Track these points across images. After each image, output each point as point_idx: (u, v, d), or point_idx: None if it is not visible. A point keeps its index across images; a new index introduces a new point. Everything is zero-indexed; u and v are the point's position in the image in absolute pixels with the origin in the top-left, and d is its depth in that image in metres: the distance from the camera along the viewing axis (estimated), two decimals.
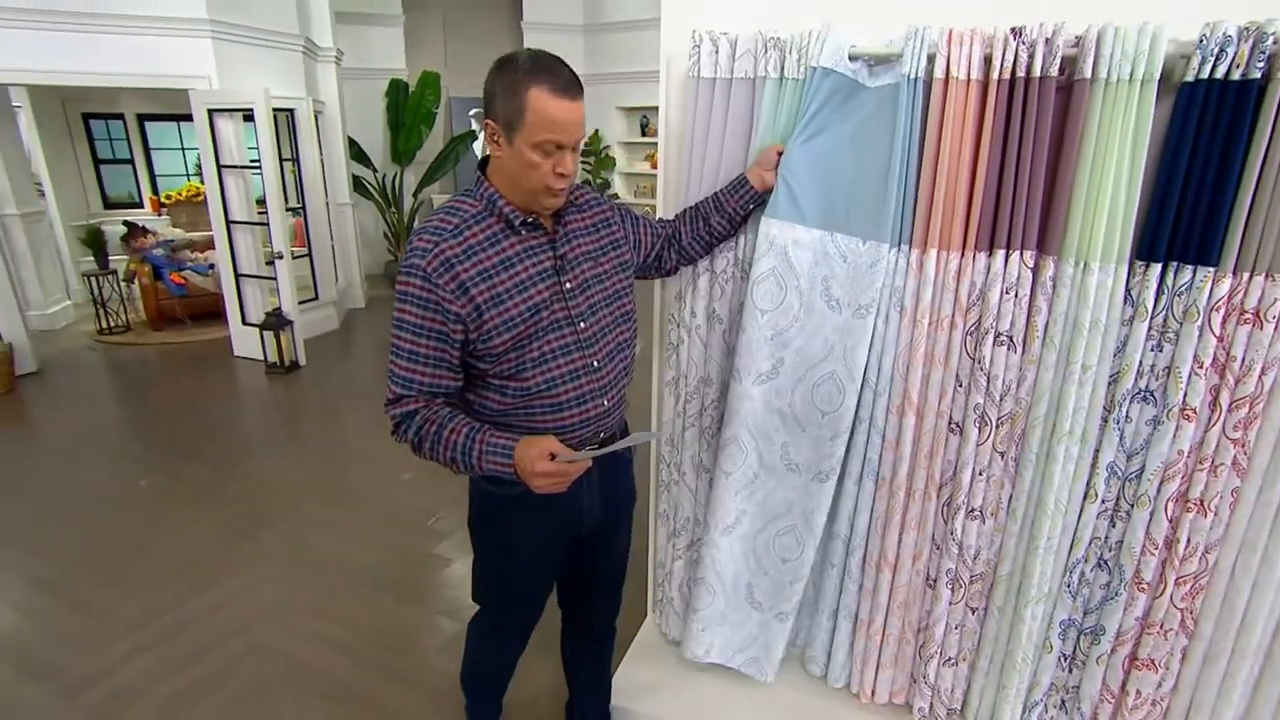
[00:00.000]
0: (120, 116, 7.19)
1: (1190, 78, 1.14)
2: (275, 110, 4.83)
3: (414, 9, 7.41)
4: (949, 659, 1.56)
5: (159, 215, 7.30)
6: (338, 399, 4.47)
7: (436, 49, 8.06)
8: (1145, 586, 1.36)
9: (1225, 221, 1.16)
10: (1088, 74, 1.19)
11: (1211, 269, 1.18)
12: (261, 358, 4.86)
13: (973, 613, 1.52)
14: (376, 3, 6.98)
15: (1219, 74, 1.12)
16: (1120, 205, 1.21)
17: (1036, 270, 1.30)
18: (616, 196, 8.29)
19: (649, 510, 1.90)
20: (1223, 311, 1.20)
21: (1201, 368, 1.22)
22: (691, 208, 1.48)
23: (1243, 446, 1.26)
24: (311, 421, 4.23)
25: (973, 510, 1.43)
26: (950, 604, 1.51)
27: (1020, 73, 1.22)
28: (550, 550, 1.38)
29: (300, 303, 5.04)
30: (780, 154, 1.38)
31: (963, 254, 1.33)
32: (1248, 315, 1.19)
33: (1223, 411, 1.24)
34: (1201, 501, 1.30)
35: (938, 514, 1.48)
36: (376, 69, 7.13)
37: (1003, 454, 1.40)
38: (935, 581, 1.52)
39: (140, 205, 7.48)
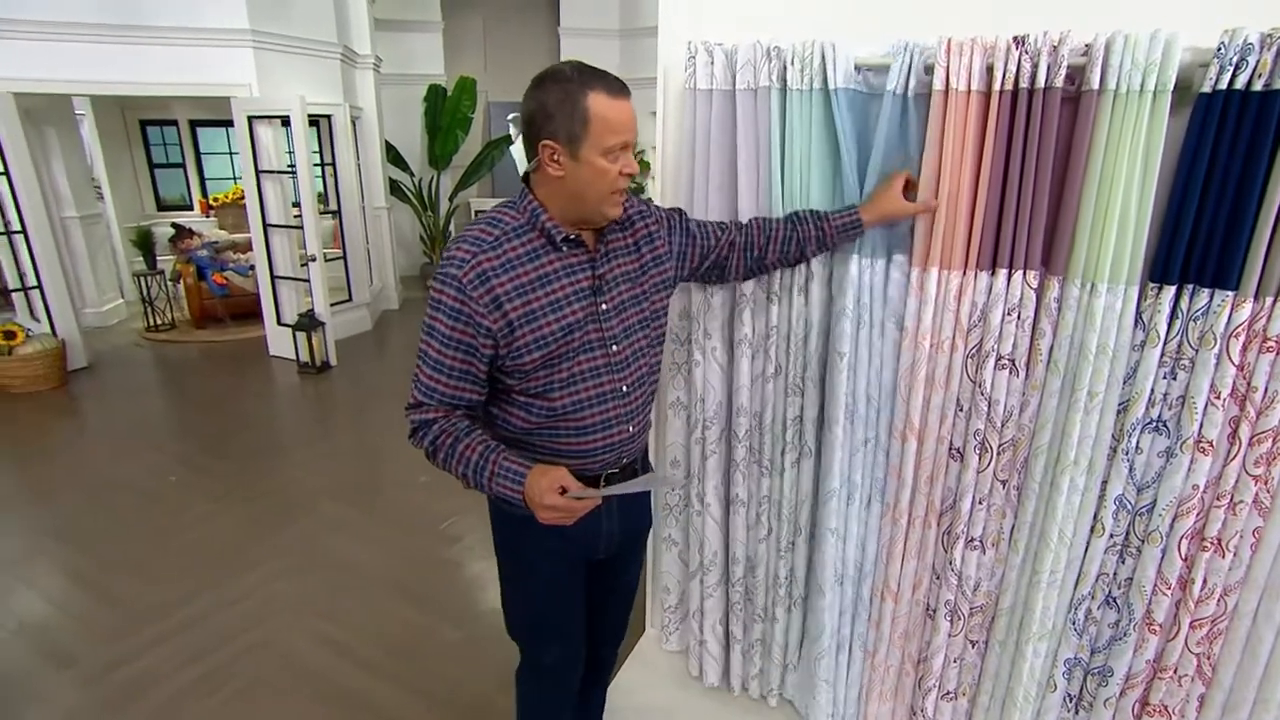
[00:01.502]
0: (174, 122, 7.51)
1: (1208, 88, 1.07)
2: (312, 116, 4.97)
3: (453, 16, 7.55)
4: (948, 693, 1.49)
5: (207, 217, 7.58)
6: (364, 399, 4.56)
7: (476, 54, 8.18)
8: (1157, 628, 1.28)
9: (1246, 242, 1.08)
10: (1096, 85, 1.12)
11: (1230, 293, 1.10)
12: (294, 357, 5.00)
13: (973, 646, 1.45)
14: (416, 10, 7.13)
15: (1239, 84, 1.04)
16: (1130, 223, 1.14)
17: (1041, 291, 1.24)
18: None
19: (653, 533, 1.87)
20: (1242, 338, 1.11)
21: (1219, 398, 1.14)
22: (786, 226, 1.35)
23: (1265, 484, 1.17)
24: (336, 421, 4.32)
25: (972, 540, 1.37)
26: (949, 636, 1.45)
27: (1024, 84, 1.16)
28: (572, 574, 1.33)
29: (334, 304, 5.16)
30: (909, 183, 1.30)
31: (964, 273, 1.27)
32: (1271, 343, 1.10)
33: (1243, 445, 1.15)
34: (1219, 540, 1.21)
35: (938, 542, 1.42)
36: (416, 74, 7.28)
37: (1004, 482, 1.33)
38: (934, 612, 1.45)
39: (190, 207, 7.79)
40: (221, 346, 5.61)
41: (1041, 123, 1.16)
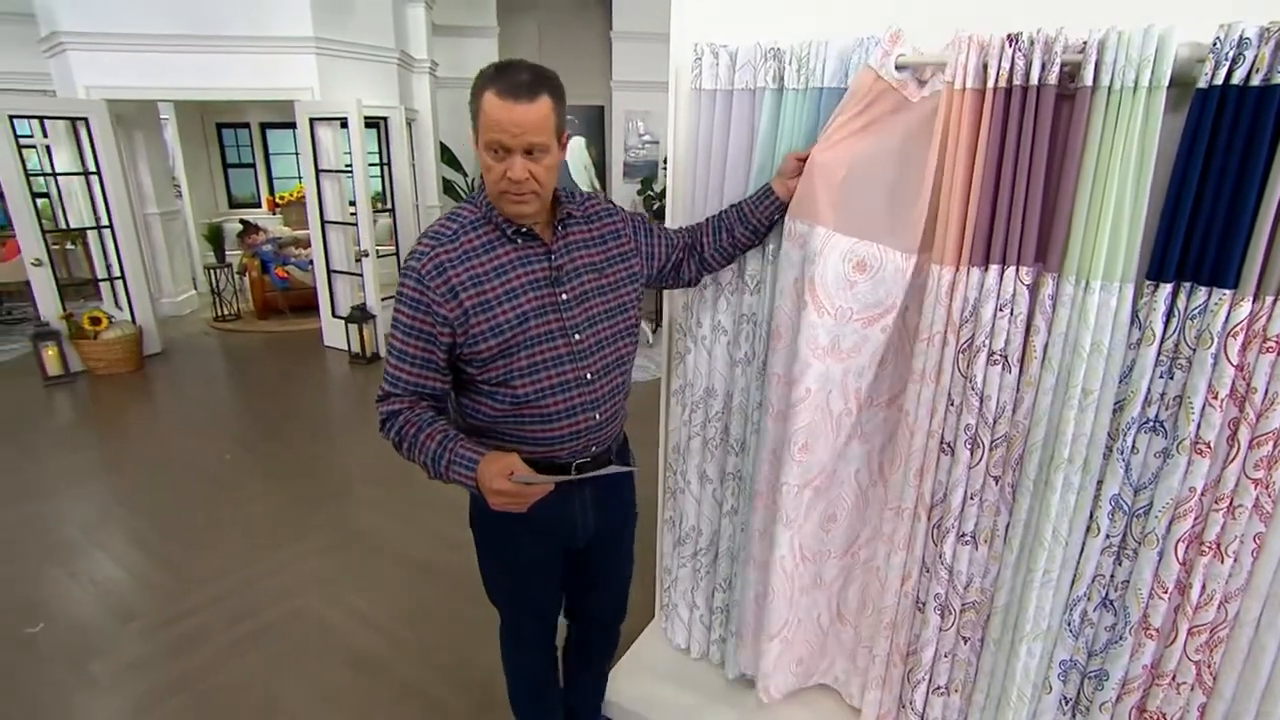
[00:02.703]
0: (246, 125, 7.97)
1: (1204, 84, 1.05)
2: (369, 118, 5.21)
3: (510, 21, 7.76)
4: (938, 687, 1.49)
5: (273, 214, 8.02)
6: None
7: (530, 58, 8.30)
8: (1154, 633, 1.26)
9: (1244, 240, 1.06)
10: (1090, 81, 1.12)
11: (1228, 291, 1.08)
12: (345, 348, 5.25)
13: (965, 642, 1.45)
14: (473, 15, 7.36)
15: (1236, 79, 1.03)
16: (1125, 221, 1.13)
17: (1034, 287, 1.24)
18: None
19: (657, 516, 1.93)
20: (1241, 338, 1.09)
21: (1217, 399, 1.12)
22: (715, 217, 1.46)
23: (1266, 488, 1.14)
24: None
25: (964, 535, 1.37)
26: (940, 630, 1.45)
27: (1018, 81, 1.17)
28: (545, 561, 1.40)
29: (386, 298, 5.39)
30: (801, 161, 1.35)
31: (956, 268, 1.28)
32: (1271, 343, 1.08)
33: (1242, 448, 1.13)
34: (1218, 545, 1.18)
35: (928, 536, 1.43)
36: (472, 78, 7.49)
37: (997, 478, 1.33)
38: (924, 605, 1.46)
39: (258, 205, 8.25)
40: (281, 336, 5.93)
41: (1035, 120, 1.16)
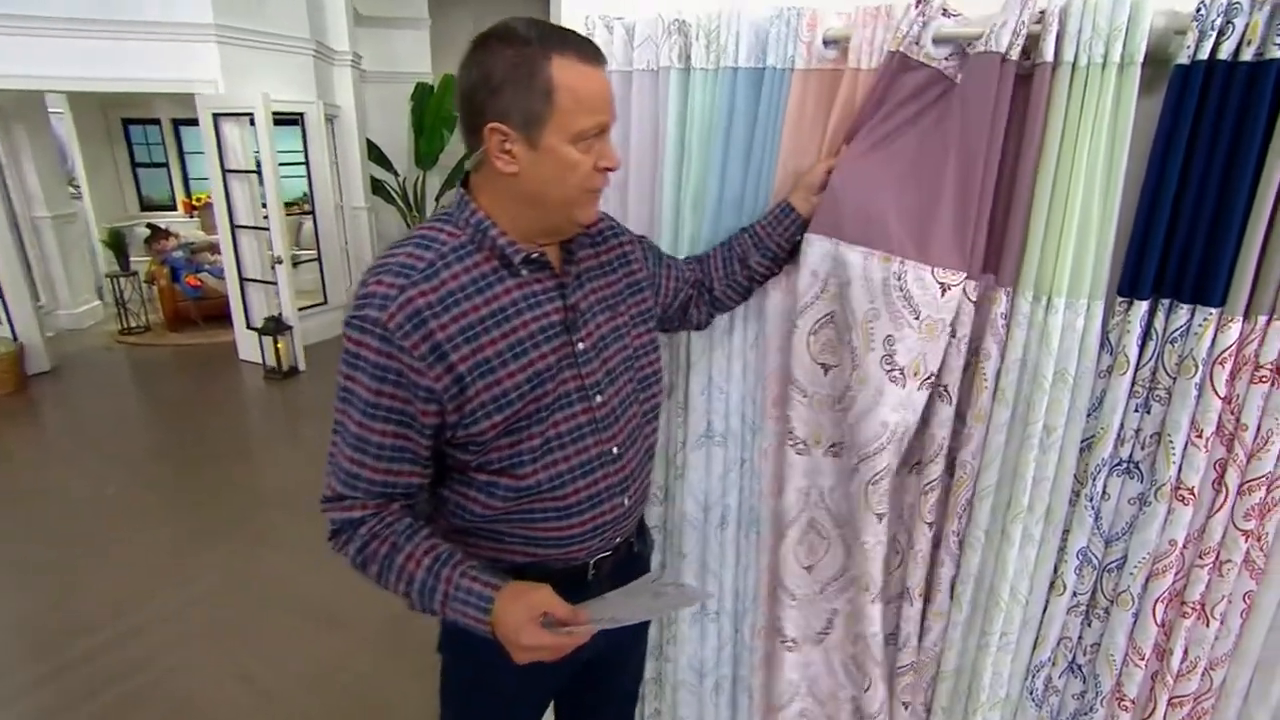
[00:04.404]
0: (156, 121, 7.39)
1: (1185, 59, 0.87)
2: (284, 114, 4.82)
3: (443, 13, 7.39)
4: None
5: (190, 217, 7.46)
6: (325, 405, 4.38)
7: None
8: (1129, 704, 1.07)
9: (1234, 248, 0.88)
10: (1050, 56, 0.92)
11: (1215, 310, 0.90)
12: (260, 362, 4.84)
13: (905, 708, 1.25)
14: (401, 6, 6.98)
15: (1224, 53, 0.85)
16: (1094, 225, 0.94)
17: (983, 304, 1.04)
18: None
19: None
20: (1229, 365, 0.91)
21: (1201, 437, 0.94)
22: (722, 246, 1.15)
23: (1258, 540, 0.96)
24: (292, 429, 4.17)
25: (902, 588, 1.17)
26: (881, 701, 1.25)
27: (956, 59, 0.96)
28: (536, 693, 1.09)
29: (308, 307, 5.01)
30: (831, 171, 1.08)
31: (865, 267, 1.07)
32: (1264, 371, 0.90)
33: (1230, 494, 0.95)
34: (1202, 606, 1.01)
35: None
36: (402, 72, 7.12)
37: (931, 525, 1.13)
38: (858, 666, 1.25)
39: (174, 208, 7.67)
40: (193, 350, 5.47)
41: (984, 102, 0.96)
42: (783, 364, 1.20)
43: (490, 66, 0.77)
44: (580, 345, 0.90)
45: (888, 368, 1.05)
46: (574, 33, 0.81)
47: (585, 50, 0.80)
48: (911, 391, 1.04)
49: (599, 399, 0.92)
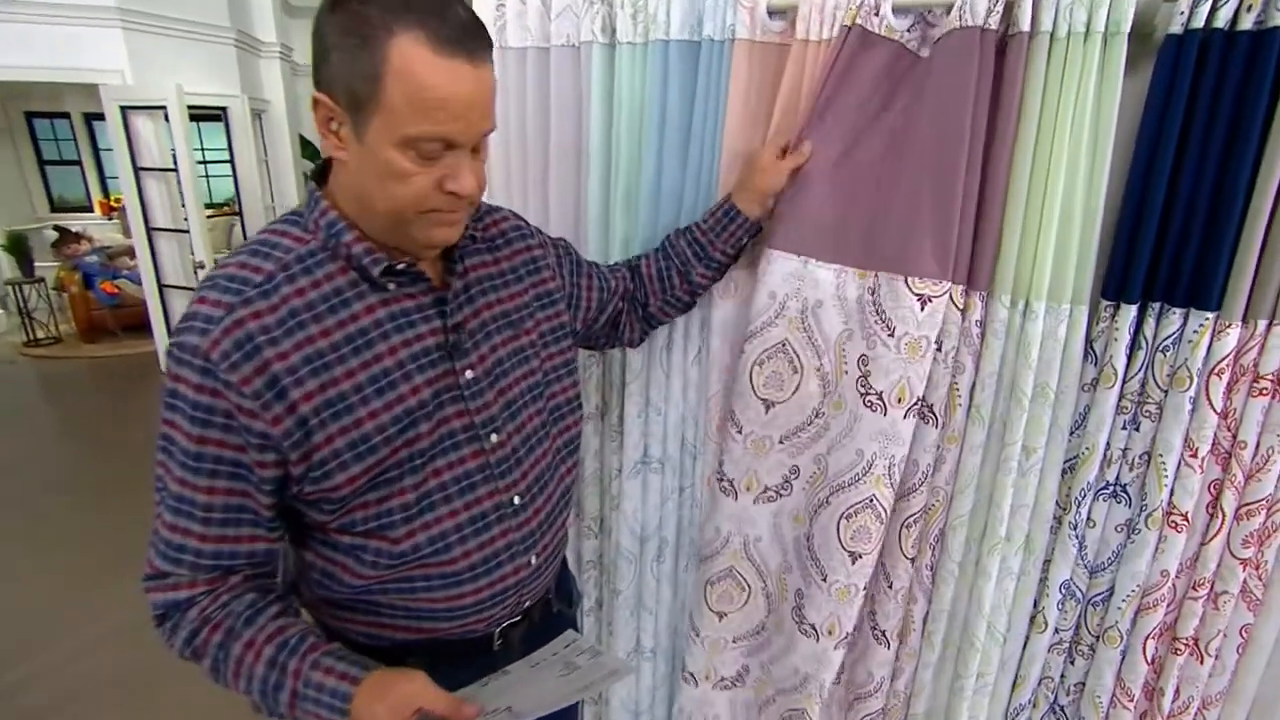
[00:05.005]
0: (66, 115, 6.86)
1: (1178, 28, 0.76)
2: (203, 108, 4.49)
3: None
4: None
5: (109, 219, 6.95)
6: None
7: None
8: None
9: (1231, 246, 0.78)
10: (1026, 26, 0.80)
11: (1211, 314, 0.80)
12: None
13: None
14: None
15: (1220, 22, 0.74)
16: (1076, 217, 0.83)
17: (956, 311, 0.92)
18: None
19: None
20: (1226, 376, 0.81)
21: (1196, 456, 0.84)
22: (657, 254, 1.00)
23: (1256, 569, 0.87)
24: None
25: (876, 630, 1.04)
26: None
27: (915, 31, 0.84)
28: None
29: None
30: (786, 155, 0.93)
31: (839, 284, 0.95)
32: (1265, 383, 0.80)
33: (1227, 519, 0.85)
34: (1196, 641, 0.91)
35: (801, 624, 1.09)
36: None
37: (913, 560, 1.01)
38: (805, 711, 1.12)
39: (90, 209, 7.14)
40: (109, 362, 5.06)
41: (952, 76, 0.83)
42: (726, 387, 1.06)
43: (325, 24, 0.61)
44: (468, 374, 0.73)
45: (862, 391, 0.92)
46: (445, 8, 0.61)
47: (445, 34, 0.59)
48: (896, 420, 0.91)
49: (494, 438, 0.75)
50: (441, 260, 0.75)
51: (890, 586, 1.00)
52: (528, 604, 0.84)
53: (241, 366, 0.62)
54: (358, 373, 0.67)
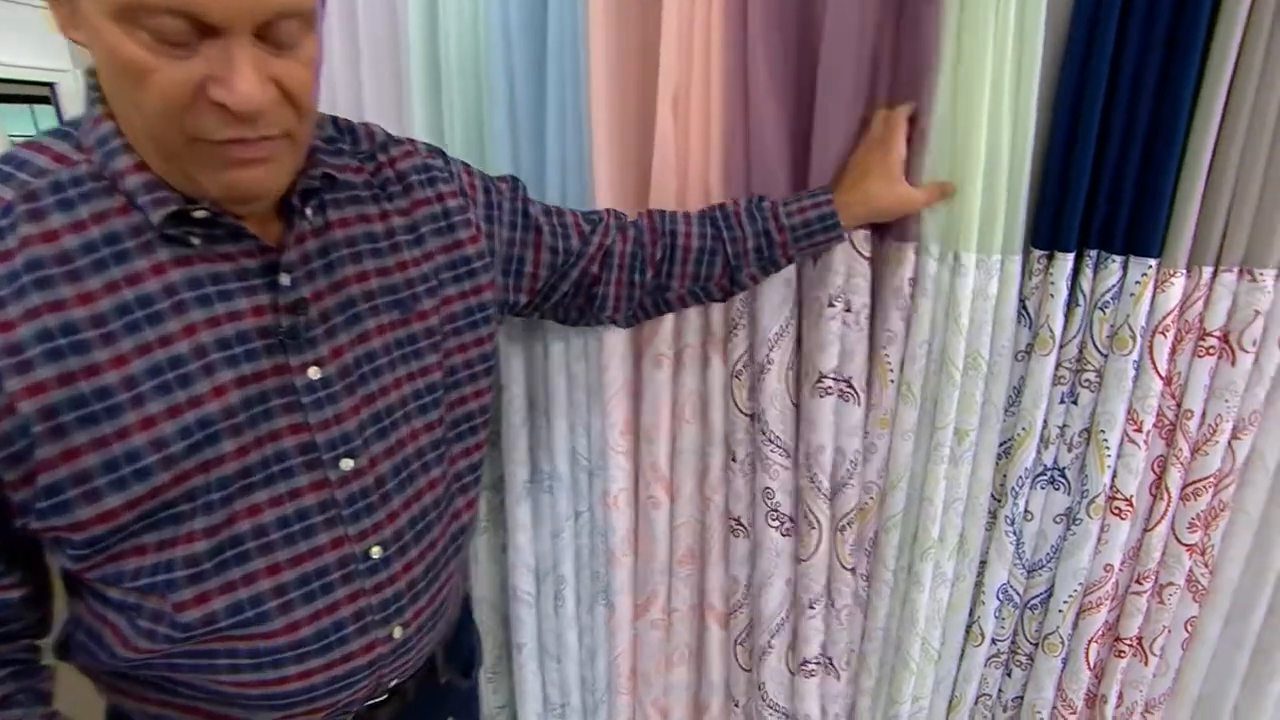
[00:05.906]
0: None
1: None
2: (21, 83, 3.87)
3: None
4: None
5: None
6: None
7: None
8: None
9: (1173, 182, 0.67)
10: None
11: (1153, 261, 0.69)
12: None
13: None
14: None
15: None
16: (1004, 157, 0.70)
17: (883, 267, 0.78)
18: None
19: None
20: (1171, 334, 0.70)
21: (1140, 430, 0.73)
22: (699, 229, 0.73)
23: (1202, 554, 0.77)
24: None
25: (808, 663, 0.87)
26: None
27: None
28: None
29: None
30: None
31: None
32: (1211, 340, 0.70)
33: (1172, 501, 0.75)
34: (1139, 640, 0.81)
35: (728, 655, 0.92)
36: None
37: (852, 570, 0.85)
38: None
39: None
40: None
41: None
42: (630, 380, 0.86)
43: None
44: (312, 373, 0.51)
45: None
46: None
47: None
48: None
49: (346, 465, 0.53)
50: (281, 209, 0.51)
51: (833, 605, 0.84)
52: (395, 682, 0.61)
53: None
54: (132, 358, 0.45)
